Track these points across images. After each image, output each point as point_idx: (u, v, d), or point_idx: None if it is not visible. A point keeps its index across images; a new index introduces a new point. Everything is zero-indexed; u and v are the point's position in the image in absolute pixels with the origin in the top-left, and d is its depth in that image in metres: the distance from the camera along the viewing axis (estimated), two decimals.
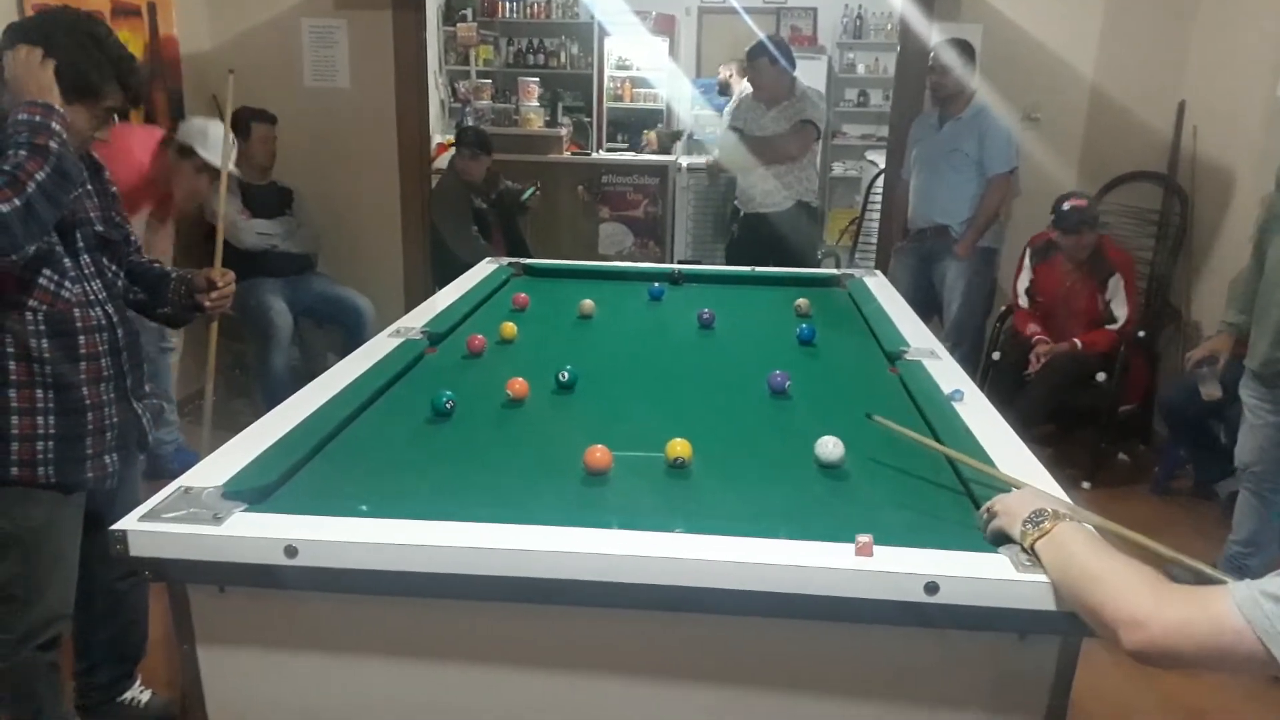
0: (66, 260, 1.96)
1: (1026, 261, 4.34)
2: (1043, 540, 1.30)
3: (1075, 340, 4.10)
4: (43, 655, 2.06)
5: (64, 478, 2.00)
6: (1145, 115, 4.54)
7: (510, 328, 2.55)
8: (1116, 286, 4.11)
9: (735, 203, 5.12)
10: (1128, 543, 1.27)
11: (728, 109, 5.51)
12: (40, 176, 1.77)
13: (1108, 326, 4.12)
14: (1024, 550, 1.33)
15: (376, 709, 1.49)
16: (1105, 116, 4.57)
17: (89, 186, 2.06)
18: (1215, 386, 3.39)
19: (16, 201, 1.74)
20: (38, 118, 1.82)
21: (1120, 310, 4.10)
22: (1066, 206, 4.05)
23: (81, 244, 2.01)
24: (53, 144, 1.81)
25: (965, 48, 4.33)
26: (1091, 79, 4.55)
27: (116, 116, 2.08)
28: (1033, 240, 4.34)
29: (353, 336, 4.22)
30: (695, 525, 1.41)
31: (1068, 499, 1.46)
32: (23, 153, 1.77)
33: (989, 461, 1.66)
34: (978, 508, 1.52)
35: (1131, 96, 4.53)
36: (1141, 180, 4.59)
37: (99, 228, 2.06)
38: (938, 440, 1.79)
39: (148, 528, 1.38)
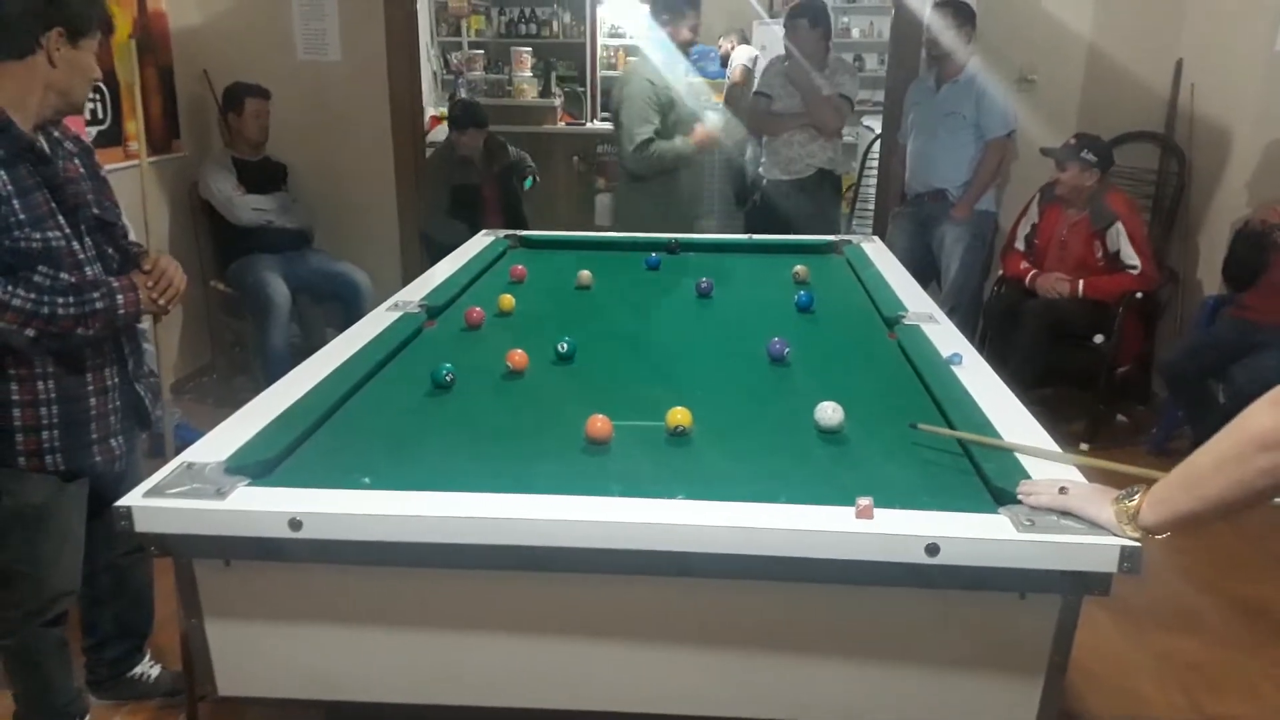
0: (75, 244, 1.94)
1: (1034, 205, 4.32)
2: (1147, 502, 1.28)
3: (1078, 282, 4.08)
4: (49, 631, 2.08)
5: (72, 464, 2.00)
6: (1142, 74, 4.51)
7: (508, 300, 2.55)
8: (1119, 236, 4.05)
9: (759, 169, 4.99)
10: None
11: (754, 68, 5.27)
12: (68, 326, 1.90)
13: (1128, 270, 4.07)
14: (1127, 520, 1.29)
15: (383, 678, 1.50)
16: (1102, 76, 4.53)
17: (83, 170, 2.04)
18: None
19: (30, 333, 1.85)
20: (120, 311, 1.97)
21: (1132, 258, 4.04)
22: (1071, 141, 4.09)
23: (83, 226, 1.98)
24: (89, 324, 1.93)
25: (963, 10, 4.29)
26: (1089, 38, 4.52)
27: None
28: (1044, 187, 4.33)
29: (351, 311, 4.20)
30: (696, 492, 1.42)
31: (1071, 459, 1.47)
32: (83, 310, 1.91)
33: (1044, 452, 1.59)
34: (977, 470, 1.53)
35: (1128, 55, 4.50)
36: (1139, 140, 4.56)
37: (96, 210, 2.03)
38: (982, 434, 1.67)
39: (152, 503, 1.39)
